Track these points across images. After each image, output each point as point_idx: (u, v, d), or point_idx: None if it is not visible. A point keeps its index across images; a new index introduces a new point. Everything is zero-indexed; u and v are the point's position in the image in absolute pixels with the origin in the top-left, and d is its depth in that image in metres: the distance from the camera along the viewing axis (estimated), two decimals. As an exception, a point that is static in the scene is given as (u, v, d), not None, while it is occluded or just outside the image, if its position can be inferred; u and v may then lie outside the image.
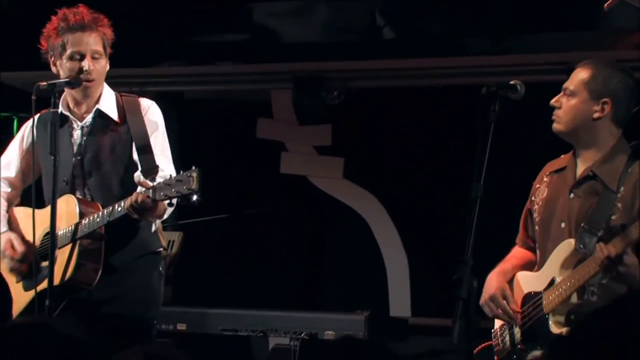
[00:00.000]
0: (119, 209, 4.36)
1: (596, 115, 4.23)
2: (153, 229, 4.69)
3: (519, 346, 4.28)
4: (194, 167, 4.17)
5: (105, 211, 4.44)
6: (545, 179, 4.43)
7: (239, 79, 7.37)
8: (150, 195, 4.20)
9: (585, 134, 4.26)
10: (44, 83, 4.43)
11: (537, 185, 4.45)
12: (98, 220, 4.44)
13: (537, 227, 4.36)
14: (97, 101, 4.72)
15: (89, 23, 4.60)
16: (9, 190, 4.85)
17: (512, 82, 3.92)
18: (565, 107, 4.26)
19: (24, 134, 4.81)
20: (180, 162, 7.66)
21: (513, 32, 6.56)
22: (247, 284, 7.50)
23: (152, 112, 4.74)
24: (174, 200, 4.24)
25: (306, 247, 7.81)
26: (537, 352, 4.18)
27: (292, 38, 6.92)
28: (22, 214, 4.82)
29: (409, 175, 7.38)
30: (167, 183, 4.17)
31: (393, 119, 7.47)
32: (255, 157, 7.73)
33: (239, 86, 7.47)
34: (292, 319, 6.19)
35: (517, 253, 4.51)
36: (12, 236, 4.70)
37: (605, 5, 4.76)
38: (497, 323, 4.43)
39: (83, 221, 4.48)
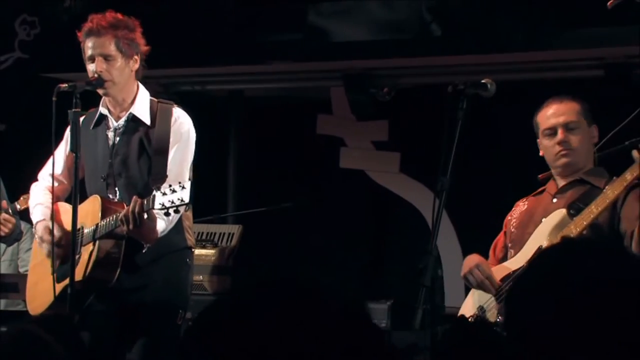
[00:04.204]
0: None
1: (594, 140, 4.48)
2: (170, 226, 4.78)
3: (499, 320, 4.41)
4: (188, 180, 4.45)
5: (114, 216, 4.66)
6: (521, 204, 4.69)
7: (293, 77, 7.61)
8: (149, 204, 4.44)
9: (589, 159, 4.46)
10: (65, 85, 4.69)
11: (514, 209, 4.72)
12: (112, 222, 4.68)
13: (513, 230, 4.55)
14: (132, 104, 4.91)
15: (101, 27, 4.78)
16: (56, 185, 5.02)
17: (483, 81, 4.10)
18: (577, 141, 4.48)
19: (68, 134, 4.99)
20: (244, 157, 8.03)
21: (559, 27, 6.64)
22: (308, 274, 7.71)
23: (180, 124, 4.88)
24: (171, 211, 4.43)
25: (364, 238, 8.01)
26: None
27: (342, 37, 7.12)
28: (64, 208, 5.04)
29: (464, 169, 7.49)
30: (164, 193, 4.39)
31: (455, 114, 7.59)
32: (315, 152, 7.97)
33: (293, 84, 7.73)
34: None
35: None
36: (49, 224, 4.90)
37: (609, 3, 4.84)
38: (468, 311, 4.58)
39: (101, 222, 4.74)
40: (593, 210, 4.26)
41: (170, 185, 4.40)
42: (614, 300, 1.70)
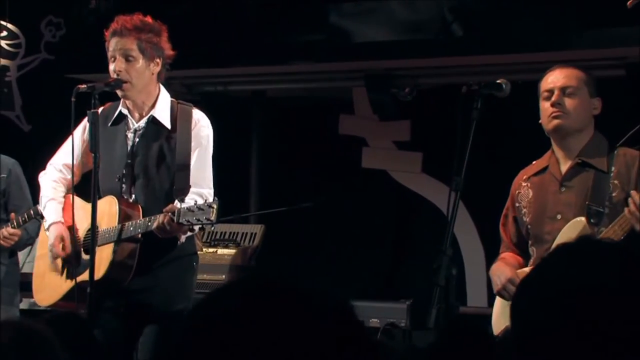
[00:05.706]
0: (150, 224, 4.62)
1: (595, 112, 4.43)
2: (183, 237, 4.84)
3: None
4: (215, 198, 4.46)
5: (139, 222, 4.69)
6: (524, 184, 4.58)
7: (315, 78, 7.66)
8: (175, 218, 4.45)
9: (584, 129, 4.43)
10: (84, 86, 4.67)
11: (517, 191, 4.60)
12: (131, 229, 4.70)
13: (529, 226, 4.48)
14: (153, 106, 4.88)
15: (125, 29, 4.77)
16: (68, 176, 4.98)
17: (497, 81, 4.10)
18: (572, 105, 4.41)
19: (85, 125, 4.89)
20: (266, 157, 8.08)
21: (579, 27, 6.65)
22: (330, 274, 7.74)
23: (200, 127, 4.86)
24: (196, 227, 4.52)
25: (386, 238, 8.03)
26: None
27: (364, 37, 7.15)
28: (76, 204, 4.98)
29: (486, 168, 7.50)
30: (190, 209, 4.41)
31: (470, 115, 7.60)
32: (337, 152, 8.00)
33: (315, 84, 7.77)
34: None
35: (507, 256, 4.61)
36: (64, 233, 4.90)
37: (629, 3, 4.84)
38: (498, 313, 4.55)
39: (122, 227, 4.74)
40: (617, 231, 4.21)
41: (195, 202, 4.44)
42: (621, 306, 1.67)
